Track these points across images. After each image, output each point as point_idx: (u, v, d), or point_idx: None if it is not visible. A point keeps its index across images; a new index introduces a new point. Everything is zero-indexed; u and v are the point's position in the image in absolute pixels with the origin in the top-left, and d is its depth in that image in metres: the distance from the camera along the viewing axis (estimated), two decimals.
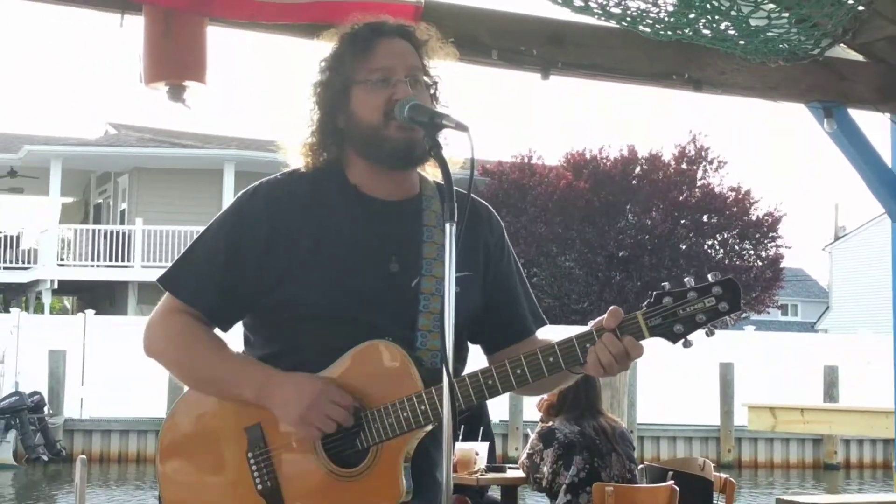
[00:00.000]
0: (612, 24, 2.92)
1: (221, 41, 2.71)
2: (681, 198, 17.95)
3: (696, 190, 18.17)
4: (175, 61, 2.52)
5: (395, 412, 1.43)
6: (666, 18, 2.87)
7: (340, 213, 1.52)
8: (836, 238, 27.84)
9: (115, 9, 2.57)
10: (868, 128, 4.05)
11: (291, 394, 1.44)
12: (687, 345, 1.41)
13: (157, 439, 1.60)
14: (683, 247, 17.81)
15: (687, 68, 3.36)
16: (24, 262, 18.25)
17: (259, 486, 1.47)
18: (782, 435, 13.34)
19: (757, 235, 18.22)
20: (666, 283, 1.43)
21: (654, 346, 1.46)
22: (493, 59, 3.03)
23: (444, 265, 1.36)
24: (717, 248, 18.27)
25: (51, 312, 17.70)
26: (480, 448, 3.96)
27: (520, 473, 3.78)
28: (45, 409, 12.74)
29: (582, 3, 2.71)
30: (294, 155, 1.57)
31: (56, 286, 17.71)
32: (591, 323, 1.45)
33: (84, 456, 3.37)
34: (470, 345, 1.61)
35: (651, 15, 2.84)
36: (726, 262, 17.79)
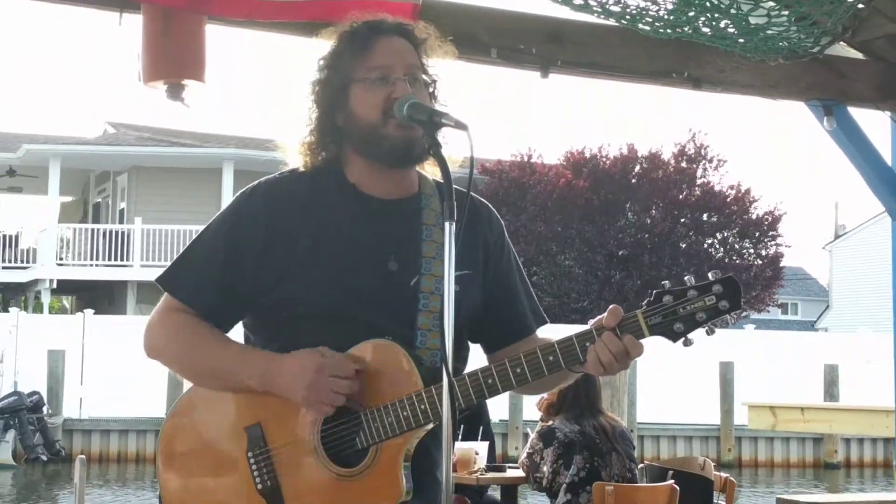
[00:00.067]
0: (612, 22, 2.92)
1: (220, 40, 2.71)
2: (680, 196, 17.96)
3: (696, 188, 18.18)
4: (174, 60, 2.52)
5: (395, 411, 1.43)
6: (665, 16, 2.87)
7: (339, 212, 1.52)
8: (836, 236, 27.85)
9: (113, 7, 2.57)
10: (868, 126, 4.05)
11: (293, 376, 1.43)
12: (687, 343, 1.41)
13: (156, 439, 1.60)
14: (683, 245, 17.82)
15: (686, 66, 3.36)
16: (22, 262, 18.28)
17: (259, 486, 1.47)
18: (782, 434, 13.34)
19: (757, 234, 18.22)
20: (666, 282, 1.43)
21: (654, 346, 1.46)
22: (493, 58, 3.03)
23: (444, 264, 1.36)
24: (717, 246, 18.27)
25: (50, 312, 17.78)
26: (480, 447, 3.96)
27: (520, 473, 3.78)
28: (44, 408, 12.75)
29: (581, 2, 2.71)
30: (293, 154, 1.57)
31: (55, 286, 17.74)
32: (591, 322, 1.45)
33: (83, 456, 3.37)
34: (470, 344, 1.60)
35: (650, 13, 2.84)
36: (726, 260, 17.79)
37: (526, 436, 3.87)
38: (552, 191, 17.34)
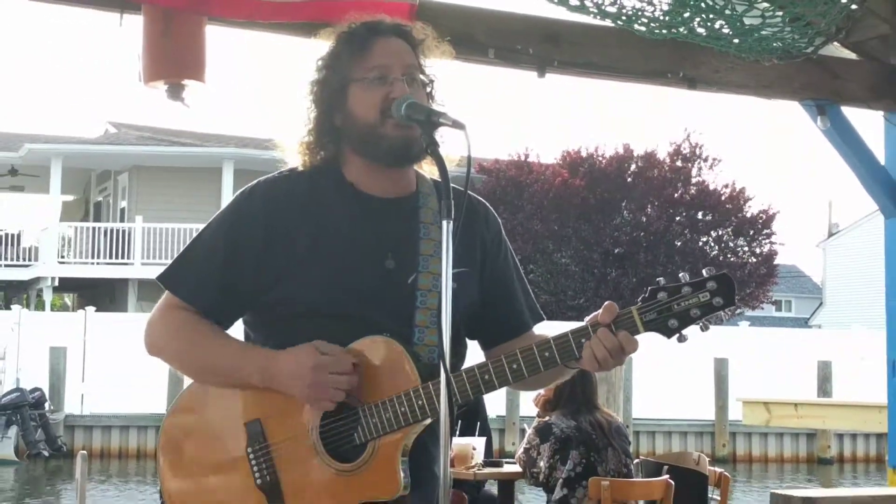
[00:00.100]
0: (608, 22, 2.94)
1: (220, 40, 2.72)
2: (676, 195, 18.01)
3: (691, 187, 18.23)
4: (174, 60, 2.53)
5: (393, 407, 1.44)
6: (661, 17, 2.89)
7: (338, 211, 1.53)
8: (830, 234, 27.94)
9: (114, 8, 2.58)
10: (861, 125, 4.08)
11: (292, 372, 1.44)
12: (682, 339, 1.42)
13: (157, 435, 1.60)
14: (678, 243, 17.87)
15: (681, 67, 3.39)
16: (25, 260, 18.34)
17: (258, 481, 1.48)
18: (776, 429, 13.40)
19: (751, 232, 18.28)
20: (661, 279, 1.44)
21: (649, 342, 1.48)
22: (490, 58, 3.05)
23: (441, 261, 1.37)
24: (712, 244, 18.33)
25: (51, 309, 17.86)
26: (477, 443, 3.99)
27: (516, 468, 3.80)
28: (46, 405, 12.84)
29: (578, 2, 2.73)
30: (291, 153, 1.58)
31: (57, 283, 17.83)
32: (587, 318, 1.46)
33: (84, 451, 3.39)
34: (469, 341, 1.62)
35: (646, 14, 2.86)
36: (721, 258, 17.85)
37: (523, 431, 3.89)
38: (549, 190, 17.37)
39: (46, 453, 12.41)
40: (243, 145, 18.31)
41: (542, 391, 3.68)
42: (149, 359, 1.61)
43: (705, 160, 18.43)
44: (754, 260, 18.26)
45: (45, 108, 64.75)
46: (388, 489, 1.45)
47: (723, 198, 18.25)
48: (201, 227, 1.61)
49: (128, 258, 17.53)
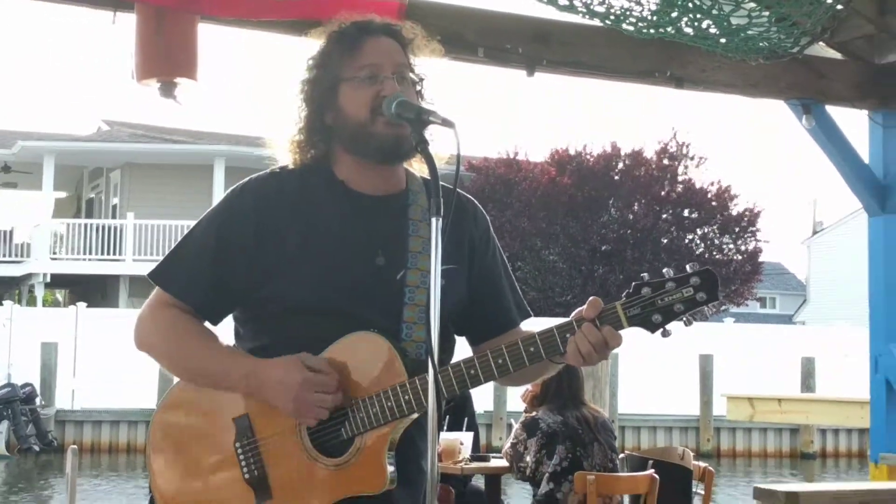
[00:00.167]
0: (596, 22, 2.96)
1: (212, 38, 2.73)
2: (662, 193, 18.10)
3: (678, 185, 18.32)
4: (166, 58, 2.53)
5: (380, 402, 1.45)
6: (649, 17, 2.91)
7: (328, 208, 1.54)
8: (814, 232, 28.15)
9: (107, 6, 2.58)
10: (846, 125, 4.13)
11: (277, 387, 1.45)
12: (665, 334, 1.43)
13: (147, 430, 1.61)
14: (665, 241, 17.96)
15: (669, 66, 3.42)
16: (17, 256, 18.31)
17: (246, 476, 1.49)
18: (760, 425, 13.51)
19: (737, 230, 18.40)
20: (645, 274, 1.45)
21: (635, 339, 1.49)
22: (480, 57, 3.07)
23: (430, 258, 1.38)
24: (698, 242, 18.43)
25: (43, 305, 17.90)
26: (465, 438, 4.02)
27: (503, 463, 3.83)
28: (37, 400, 12.89)
29: (566, 2, 2.75)
30: (282, 152, 1.58)
31: (48, 279, 17.84)
32: (573, 314, 1.47)
33: (75, 446, 3.39)
34: (457, 337, 1.63)
35: (634, 13, 2.89)
36: (707, 255, 17.96)
37: (510, 426, 3.92)
38: (537, 187, 17.41)
39: (37, 448, 12.43)
40: (235, 143, 18.29)
41: (529, 387, 3.71)
42: (139, 355, 1.61)
43: (692, 159, 18.54)
44: (739, 257, 18.38)
45: (38, 105, 64.72)
46: (374, 483, 1.46)
47: (709, 196, 18.36)
48: (193, 224, 1.61)
49: (119, 255, 17.53)
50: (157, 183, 18.33)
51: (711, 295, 1.41)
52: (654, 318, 1.42)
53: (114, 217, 18.78)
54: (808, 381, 14.16)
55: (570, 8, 2.79)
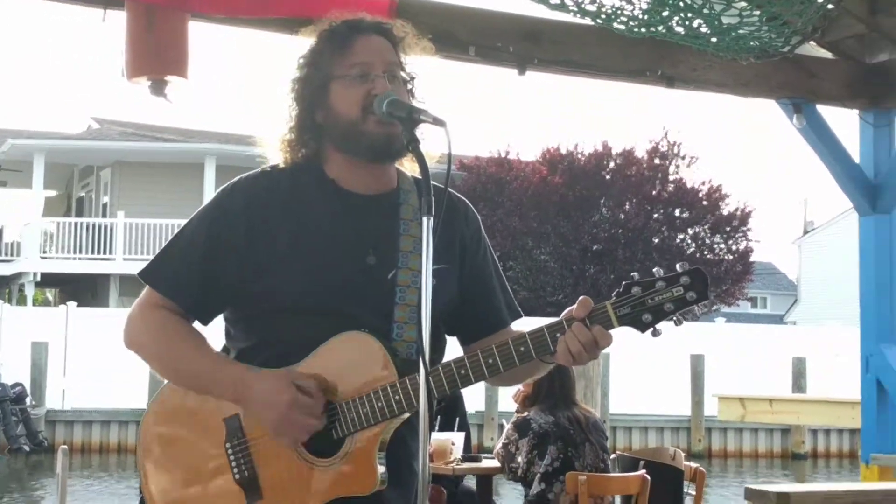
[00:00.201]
0: (588, 21, 2.97)
1: (203, 36, 2.72)
2: (653, 192, 18.16)
3: (669, 185, 18.39)
4: (157, 56, 2.53)
5: (370, 402, 1.45)
6: (640, 16, 2.92)
7: (319, 207, 1.54)
8: (805, 232, 28.29)
9: (97, 4, 2.57)
10: (836, 124, 4.15)
11: (264, 404, 1.45)
12: (656, 334, 1.43)
13: (137, 430, 1.61)
14: (656, 240, 18.02)
15: (660, 65, 3.43)
16: (7, 255, 18.31)
17: (237, 476, 1.49)
18: (751, 425, 13.56)
19: (728, 229, 18.48)
20: (635, 274, 1.44)
21: (627, 339, 1.49)
22: (471, 55, 3.07)
23: (421, 258, 1.38)
24: (689, 241, 18.50)
25: (33, 304, 17.93)
26: (456, 438, 4.01)
27: (495, 463, 3.83)
28: (28, 399, 12.90)
29: (558, 1, 2.76)
30: (273, 151, 1.58)
31: (39, 278, 17.82)
32: (563, 313, 1.47)
33: (66, 446, 3.37)
34: (448, 337, 1.63)
35: (625, 12, 2.89)
36: (698, 255, 18.03)
37: (501, 427, 3.92)
38: (528, 187, 17.45)
39: (27, 448, 12.43)
40: (225, 141, 18.35)
41: (521, 387, 3.71)
42: (130, 354, 1.61)
43: (683, 158, 18.60)
44: (730, 257, 18.46)
45: (28, 103, 64.74)
46: (365, 483, 1.46)
47: (700, 195, 18.43)
48: (183, 222, 1.61)
49: (110, 253, 17.55)
50: (148, 181, 18.35)
51: (701, 294, 1.41)
52: (644, 317, 1.42)
53: (104, 216, 18.79)
54: (798, 382, 14.22)
55: (562, 7, 2.80)
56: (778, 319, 26.30)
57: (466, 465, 3.99)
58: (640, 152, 18.47)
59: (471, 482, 4.35)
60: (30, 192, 18.32)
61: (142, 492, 1.57)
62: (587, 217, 17.75)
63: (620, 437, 13.57)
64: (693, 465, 3.87)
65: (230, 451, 1.49)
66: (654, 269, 1.43)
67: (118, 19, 2.56)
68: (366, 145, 1.52)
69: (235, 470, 1.49)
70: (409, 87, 1.58)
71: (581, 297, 1.46)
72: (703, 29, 3.08)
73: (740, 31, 3.07)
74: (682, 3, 2.89)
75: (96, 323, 12.98)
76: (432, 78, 1.62)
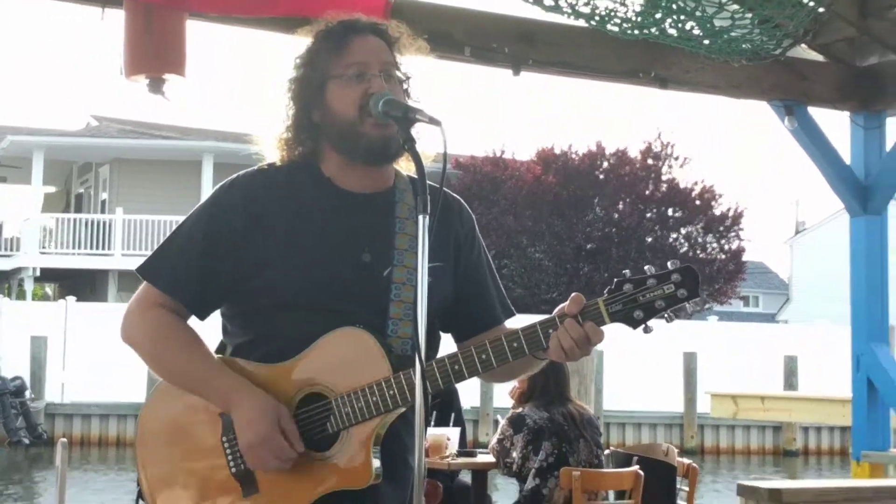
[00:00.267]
0: (582, 22, 2.99)
1: (200, 35, 2.74)
2: (647, 192, 18.21)
3: (662, 185, 18.44)
4: (155, 55, 2.54)
5: (365, 397, 1.46)
6: (633, 18, 2.94)
7: (315, 205, 1.55)
8: (797, 232, 28.39)
9: (96, 3, 2.58)
10: (827, 126, 4.18)
11: (246, 422, 1.47)
12: (647, 330, 1.44)
13: (136, 424, 1.62)
14: (649, 239, 18.07)
15: (653, 66, 3.45)
16: (6, 250, 18.31)
17: (233, 469, 1.50)
18: (743, 422, 13.62)
19: (720, 229, 18.54)
20: (626, 271, 1.46)
21: (620, 337, 1.51)
22: (466, 56, 3.09)
23: (416, 256, 1.40)
24: (682, 241, 18.56)
25: (33, 299, 17.87)
26: (452, 433, 4.04)
27: (490, 458, 3.85)
28: (27, 393, 12.93)
29: (552, 3, 2.78)
30: (270, 149, 1.59)
31: (38, 273, 17.90)
32: (556, 310, 1.48)
33: (65, 439, 3.38)
34: (443, 334, 1.65)
35: (619, 14, 2.92)
36: (690, 254, 18.09)
37: (496, 422, 3.95)
38: (523, 186, 17.48)
39: (27, 441, 12.47)
40: (223, 139, 18.40)
41: (516, 383, 3.74)
42: (128, 349, 1.62)
43: (676, 158, 18.66)
44: (723, 256, 18.52)
45: (27, 100, 64.54)
46: (360, 477, 1.47)
47: (693, 195, 18.49)
48: (181, 219, 1.62)
49: (108, 249, 17.60)
50: (146, 178, 18.40)
51: (692, 292, 1.43)
52: (635, 314, 1.44)
53: (103, 212, 18.84)
54: (790, 380, 14.29)
55: (556, 8, 2.82)
56: (770, 318, 26.38)
57: (462, 459, 4.01)
58: (634, 152, 18.53)
59: (466, 477, 4.38)
60: (29, 188, 18.34)
61: (139, 484, 1.59)
62: (581, 216, 17.79)
63: (614, 434, 13.62)
64: (686, 461, 3.90)
65: (227, 445, 1.51)
66: (646, 267, 1.45)
67: (117, 18, 2.57)
68: (364, 147, 1.53)
69: (232, 463, 1.50)
70: (405, 86, 1.59)
71: (573, 294, 1.47)
72: (696, 31, 3.11)
73: (732, 34, 3.10)
74: (674, 6, 2.91)
75: (95, 317, 13.01)
76: (428, 78, 1.63)
